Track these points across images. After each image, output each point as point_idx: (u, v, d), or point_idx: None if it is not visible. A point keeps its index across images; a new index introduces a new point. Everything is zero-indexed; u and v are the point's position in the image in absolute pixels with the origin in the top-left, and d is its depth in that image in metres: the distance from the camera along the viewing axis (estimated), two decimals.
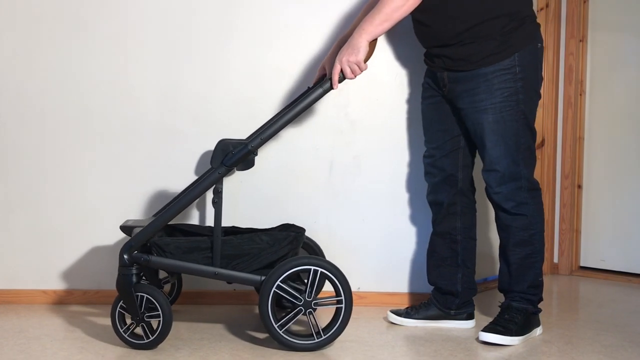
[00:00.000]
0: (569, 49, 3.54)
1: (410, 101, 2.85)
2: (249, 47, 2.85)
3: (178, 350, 2.33)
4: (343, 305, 2.31)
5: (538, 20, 3.50)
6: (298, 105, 2.36)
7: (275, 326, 2.29)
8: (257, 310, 2.31)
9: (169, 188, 2.83)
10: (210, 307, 2.86)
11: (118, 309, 2.33)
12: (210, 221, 2.84)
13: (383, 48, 2.84)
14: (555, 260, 3.63)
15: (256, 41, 2.85)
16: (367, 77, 2.80)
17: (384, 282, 2.93)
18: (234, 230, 2.61)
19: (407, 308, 2.71)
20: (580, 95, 3.58)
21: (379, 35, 2.38)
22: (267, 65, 2.85)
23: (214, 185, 2.33)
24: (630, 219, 3.48)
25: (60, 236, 2.85)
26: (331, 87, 2.36)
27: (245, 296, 2.89)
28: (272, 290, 2.28)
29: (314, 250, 2.71)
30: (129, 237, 2.37)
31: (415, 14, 2.43)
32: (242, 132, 2.67)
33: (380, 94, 2.88)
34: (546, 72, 3.54)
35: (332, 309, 2.34)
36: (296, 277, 2.38)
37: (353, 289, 2.36)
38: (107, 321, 2.39)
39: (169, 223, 2.46)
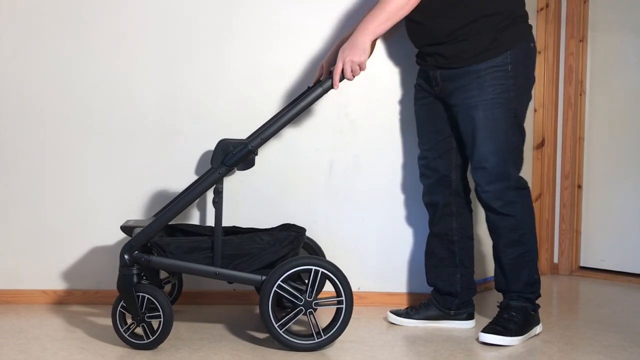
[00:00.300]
0: (569, 49, 3.55)
1: (410, 101, 2.85)
2: (249, 47, 2.85)
3: (178, 351, 2.33)
4: (344, 306, 2.31)
5: (538, 21, 3.55)
6: (298, 105, 2.36)
7: (276, 326, 2.29)
8: (257, 310, 2.31)
9: (169, 188, 2.83)
10: (211, 307, 2.86)
11: (119, 309, 2.32)
12: (210, 221, 2.84)
13: (383, 48, 2.85)
14: (555, 260, 3.63)
15: (256, 41, 2.85)
16: (367, 77, 2.80)
17: (384, 282, 2.93)
18: (235, 230, 2.61)
19: (407, 308, 2.71)
20: (580, 95, 3.58)
21: (380, 35, 2.38)
22: (267, 65, 2.85)
23: (215, 185, 2.33)
24: (630, 219, 3.48)
25: (60, 236, 2.85)
26: (332, 87, 2.36)
27: (246, 296, 2.88)
28: (273, 290, 2.28)
29: (314, 251, 2.71)
30: (130, 238, 2.37)
31: (409, 13, 2.43)
32: (242, 132, 2.67)
33: (380, 94, 2.87)
34: (546, 72, 3.54)
35: (332, 309, 2.34)
36: (297, 277, 2.38)
37: (353, 289, 2.36)
38: (107, 321, 2.39)
39: (170, 223, 2.46)
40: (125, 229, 2.51)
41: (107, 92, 2.83)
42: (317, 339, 2.31)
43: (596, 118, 3.58)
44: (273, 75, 2.85)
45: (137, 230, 2.37)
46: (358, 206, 2.90)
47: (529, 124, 3.56)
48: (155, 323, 2.33)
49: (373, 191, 2.90)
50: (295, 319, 2.31)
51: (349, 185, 2.89)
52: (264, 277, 2.30)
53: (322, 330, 2.32)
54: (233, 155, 2.31)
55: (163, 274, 2.69)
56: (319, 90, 2.36)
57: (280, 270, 2.29)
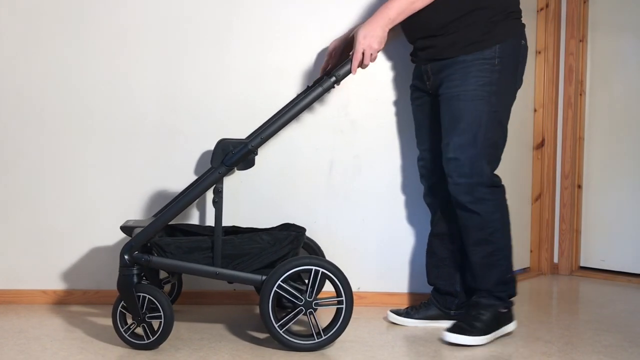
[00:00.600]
0: (569, 49, 3.55)
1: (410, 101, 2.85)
2: (249, 47, 2.85)
3: (178, 351, 2.33)
4: (344, 306, 2.31)
5: (538, 21, 3.55)
6: (298, 105, 2.35)
7: (276, 326, 2.29)
8: (257, 310, 2.31)
9: (169, 188, 2.83)
10: (211, 307, 2.86)
11: (119, 309, 2.32)
12: (210, 221, 2.84)
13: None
14: (555, 260, 3.63)
15: (256, 41, 2.85)
16: (367, 77, 2.80)
17: (384, 282, 2.93)
18: (235, 230, 2.61)
19: (407, 308, 2.71)
20: (580, 95, 3.59)
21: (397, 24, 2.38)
22: (267, 65, 2.85)
23: (214, 185, 2.33)
24: (630, 219, 3.48)
25: (60, 236, 2.85)
26: (333, 86, 2.36)
27: (246, 296, 2.88)
28: (273, 290, 2.28)
29: (314, 250, 2.71)
30: (130, 238, 2.37)
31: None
32: (242, 132, 2.67)
33: (380, 93, 2.87)
34: (546, 72, 3.54)
35: (332, 309, 2.34)
36: (297, 277, 2.38)
37: (353, 289, 2.35)
38: (107, 321, 2.39)
39: (170, 223, 2.46)
40: (125, 229, 2.51)
41: (107, 92, 2.83)
42: (317, 339, 2.31)
43: (596, 118, 3.58)
44: (273, 75, 2.85)
45: (137, 231, 2.37)
46: (358, 206, 2.90)
47: (528, 124, 3.56)
48: (155, 323, 2.33)
49: (373, 191, 2.90)
50: (296, 319, 2.31)
51: (349, 185, 2.89)
52: (264, 277, 2.30)
53: (322, 330, 2.32)
54: (233, 155, 2.31)
55: (163, 274, 2.69)
56: (319, 89, 2.36)
57: (281, 270, 2.29)
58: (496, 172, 2.48)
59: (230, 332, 2.54)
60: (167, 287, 2.75)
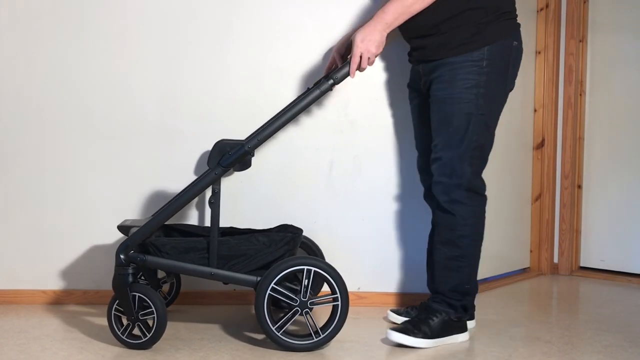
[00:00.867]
0: (569, 49, 3.54)
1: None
2: (249, 47, 2.85)
3: (178, 351, 2.33)
4: (339, 303, 2.31)
5: (538, 21, 3.54)
6: (296, 107, 2.36)
7: (273, 328, 2.29)
8: None
9: (169, 188, 2.83)
10: (210, 308, 2.86)
11: (113, 310, 2.33)
12: (208, 221, 2.84)
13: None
14: (555, 260, 3.62)
15: (256, 41, 2.85)
16: (367, 77, 2.80)
17: (384, 282, 2.93)
18: (231, 231, 2.61)
19: (406, 307, 2.71)
20: (580, 95, 3.58)
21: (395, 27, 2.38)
22: (267, 65, 2.85)
23: (211, 186, 2.33)
24: (630, 219, 3.48)
25: (60, 236, 2.85)
26: (331, 88, 2.36)
27: (245, 296, 2.89)
28: (268, 292, 2.28)
29: (312, 251, 2.71)
30: (127, 237, 2.38)
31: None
32: (241, 132, 2.67)
33: (380, 94, 2.87)
34: (546, 72, 3.54)
35: (329, 308, 2.34)
36: (293, 278, 2.38)
37: (353, 289, 2.35)
38: (106, 321, 2.39)
39: (166, 223, 2.46)
40: (122, 228, 2.51)
41: (107, 92, 2.83)
42: (315, 338, 2.31)
43: (596, 118, 3.58)
44: (273, 75, 2.85)
45: (134, 230, 2.37)
46: (358, 206, 2.90)
47: (528, 124, 3.56)
48: (150, 321, 2.33)
49: (373, 191, 2.90)
50: (292, 320, 2.31)
51: (349, 185, 2.89)
52: (259, 278, 2.30)
53: (320, 329, 2.32)
54: (229, 156, 2.31)
55: (161, 274, 2.70)
56: (317, 92, 2.36)
57: (274, 271, 2.29)
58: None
59: (230, 332, 2.54)
60: (166, 287, 2.75)
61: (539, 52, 3.55)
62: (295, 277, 2.40)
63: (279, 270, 2.29)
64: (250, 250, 2.35)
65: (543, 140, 3.56)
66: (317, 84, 2.40)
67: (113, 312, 2.33)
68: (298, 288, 2.31)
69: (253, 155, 2.35)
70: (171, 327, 2.51)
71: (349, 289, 2.35)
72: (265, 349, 2.36)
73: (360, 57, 2.33)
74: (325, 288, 2.39)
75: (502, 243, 3.44)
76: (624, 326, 2.68)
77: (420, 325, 2.40)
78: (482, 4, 2.34)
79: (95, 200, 2.85)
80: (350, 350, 2.37)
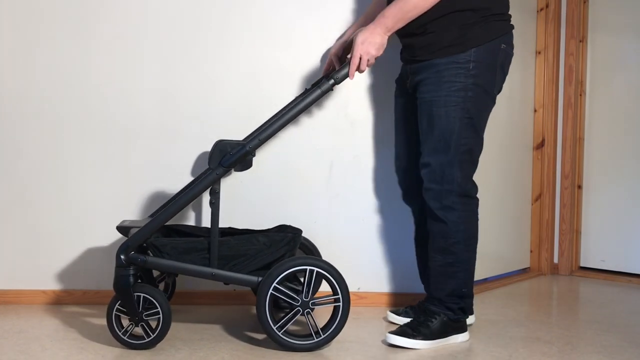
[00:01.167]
0: (569, 50, 3.55)
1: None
2: (248, 47, 2.85)
3: (178, 351, 2.33)
4: (340, 304, 2.31)
5: (538, 21, 3.54)
6: (296, 107, 2.35)
7: (274, 328, 2.29)
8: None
9: (168, 189, 2.83)
10: (210, 308, 2.86)
11: (114, 310, 2.32)
12: (207, 222, 2.84)
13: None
14: (555, 260, 3.63)
15: (256, 41, 2.85)
16: (366, 77, 2.80)
17: (384, 282, 2.93)
18: (231, 231, 2.61)
19: (406, 307, 2.71)
20: (581, 95, 3.59)
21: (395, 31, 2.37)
22: (267, 65, 2.85)
23: (211, 186, 2.33)
24: (630, 219, 3.48)
25: (60, 236, 2.85)
26: (331, 88, 2.36)
27: (245, 296, 2.89)
28: (269, 292, 2.28)
29: (310, 251, 2.71)
30: (126, 238, 2.37)
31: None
32: (241, 132, 2.67)
33: (380, 94, 2.87)
34: (546, 72, 3.54)
35: (330, 308, 2.34)
36: (294, 278, 2.38)
37: (353, 289, 2.35)
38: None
39: (166, 224, 2.46)
40: (121, 229, 2.51)
41: (106, 92, 2.83)
42: (316, 338, 2.31)
43: (596, 118, 3.58)
44: (272, 75, 2.85)
45: (133, 231, 2.37)
46: (358, 206, 2.90)
47: (528, 124, 3.56)
48: (153, 322, 2.33)
49: (373, 191, 2.90)
50: (293, 320, 2.31)
51: (349, 185, 2.89)
52: (260, 279, 2.30)
53: (321, 329, 2.32)
54: (230, 156, 2.31)
55: (156, 272, 2.69)
56: (318, 92, 2.36)
57: (276, 271, 2.29)
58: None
59: (230, 332, 2.54)
60: (161, 287, 2.74)
61: (539, 52, 3.55)
62: (295, 278, 2.40)
63: (281, 270, 2.29)
64: (250, 250, 2.35)
65: (543, 140, 3.56)
66: (317, 84, 2.40)
67: (114, 312, 2.32)
68: (300, 288, 2.31)
69: (254, 155, 2.35)
70: (171, 327, 2.50)
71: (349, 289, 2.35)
72: (265, 349, 2.36)
73: (360, 58, 2.33)
74: (326, 288, 2.39)
75: (502, 243, 3.44)
76: (624, 326, 2.68)
77: (419, 328, 2.40)
78: (470, 6, 2.31)
79: (95, 201, 2.85)
80: (351, 350, 2.37)
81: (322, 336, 2.32)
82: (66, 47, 2.82)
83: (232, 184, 2.83)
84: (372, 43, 2.32)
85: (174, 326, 2.54)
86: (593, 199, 3.59)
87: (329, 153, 2.88)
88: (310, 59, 2.85)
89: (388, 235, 2.91)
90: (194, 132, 2.84)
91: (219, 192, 2.34)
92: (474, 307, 2.63)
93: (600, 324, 2.71)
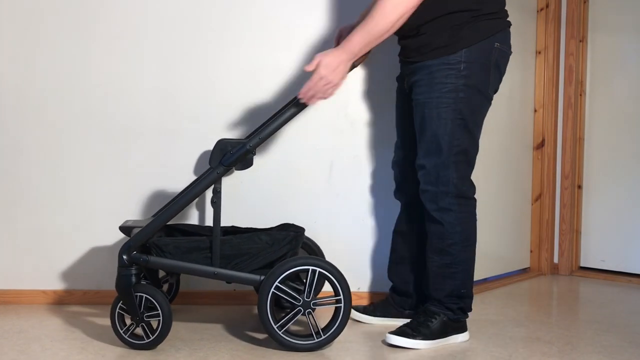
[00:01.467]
0: (569, 50, 3.54)
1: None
2: (248, 47, 2.85)
3: (178, 351, 2.33)
4: (342, 305, 2.31)
5: (538, 21, 3.54)
6: (297, 105, 2.36)
7: (275, 327, 2.29)
8: (256, 311, 2.31)
9: (169, 188, 2.83)
10: (210, 307, 2.86)
11: (117, 309, 2.32)
12: (209, 221, 2.84)
13: (383, 48, 2.84)
14: (555, 260, 3.62)
15: (256, 41, 2.85)
16: (366, 77, 2.80)
17: (384, 282, 2.92)
18: (234, 230, 2.61)
19: (369, 305, 2.72)
20: (581, 95, 3.58)
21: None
22: (266, 64, 2.85)
23: (213, 185, 2.33)
24: (630, 219, 3.48)
25: (60, 236, 2.85)
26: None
27: (245, 296, 2.88)
28: (271, 291, 2.28)
29: (313, 251, 2.71)
30: (128, 238, 2.37)
31: None
32: (241, 132, 2.67)
33: (380, 94, 2.87)
34: (546, 72, 3.54)
35: (331, 309, 2.34)
36: (295, 277, 2.38)
37: (353, 289, 2.35)
38: (108, 321, 2.39)
39: (168, 223, 2.46)
40: (124, 229, 2.51)
41: (107, 92, 2.83)
42: (317, 338, 2.31)
43: (596, 118, 3.58)
44: (272, 74, 2.85)
45: (136, 231, 2.37)
46: (358, 206, 2.90)
47: (528, 124, 3.56)
48: (154, 322, 2.33)
49: (373, 191, 2.90)
50: (294, 320, 2.31)
51: (349, 185, 2.89)
52: (262, 277, 2.30)
53: (322, 329, 2.32)
54: (231, 155, 2.31)
55: (161, 273, 2.69)
56: None
57: (278, 270, 2.29)
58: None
59: (230, 332, 2.54)
60: (165, 287, 2.75)
61: (539, 52, 3.55)
62: (297, 277, 2.40)
63: (284, 269, 2.29)
64: (252, 249, 2.35)
65: (543, 140, 3.56)
66: None
67: (117, 311, 2.33)
68: (301, 288, 2.30)
69: (255, 154, 2.34)
70: (171, 327, 2.50)
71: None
72: (266, 349, 2.36)
73: (317, 83, 2.27)
74: (328, 288, 2.39)
75: (502, 243, 3.44)
76: (624, 326, 2.68)
77: (419, 328, 2.40)
78: (461, 7, 2.29)
79: (96, 200, 2.85)
80: (351, 350, 2.37)
81: (323, 336, 2.31)
82: (66, 47, 2.82)
83: (232, 184, 2.83)
84: (336, 72, 2.26)
85: (174, 326, 2.54)
86: (593, 199, 3.59)
87: (329, 153, 2.88)
88: (310, 59, 2.84)
89: (388, 235, 2.90)
90: (195, 131, 2.84)
91: (220, 191, 2.34)
92: (474, 307, 2.64)
93: (600, 324, 2.71)
